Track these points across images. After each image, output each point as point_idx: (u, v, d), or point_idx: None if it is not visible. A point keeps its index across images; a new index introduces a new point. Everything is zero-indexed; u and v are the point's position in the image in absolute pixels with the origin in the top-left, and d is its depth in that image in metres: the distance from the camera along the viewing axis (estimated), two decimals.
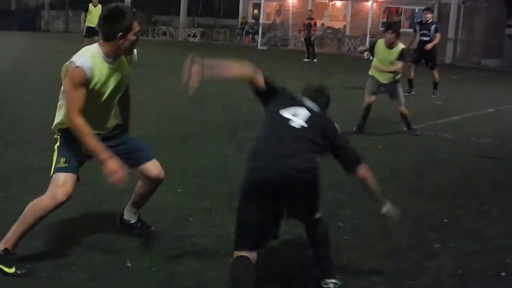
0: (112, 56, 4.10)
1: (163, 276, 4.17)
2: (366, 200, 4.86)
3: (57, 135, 4.27)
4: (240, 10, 38.43)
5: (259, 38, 32.85)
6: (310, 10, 27.60)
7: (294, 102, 4.05)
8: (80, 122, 3.98)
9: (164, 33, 37.12)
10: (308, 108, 3.99)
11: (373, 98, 9.59)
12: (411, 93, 14.63)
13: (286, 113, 3.94)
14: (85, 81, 3.98)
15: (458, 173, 7.64)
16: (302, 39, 28.25)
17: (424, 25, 15.57)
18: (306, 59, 25.52)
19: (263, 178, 3.76)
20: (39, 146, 6.60)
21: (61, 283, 4.00)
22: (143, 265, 4.32)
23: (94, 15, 19.04)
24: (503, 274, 4.54)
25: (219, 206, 5.69)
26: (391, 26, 9.65)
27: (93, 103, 4.08)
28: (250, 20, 37.67)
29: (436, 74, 15.24)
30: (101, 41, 4.10)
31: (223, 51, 28.96)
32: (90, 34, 19.04)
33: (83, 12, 19.53)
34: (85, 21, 19.36)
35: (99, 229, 4.94)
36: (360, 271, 4.44)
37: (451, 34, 30.94)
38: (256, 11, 37.78)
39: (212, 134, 9.05)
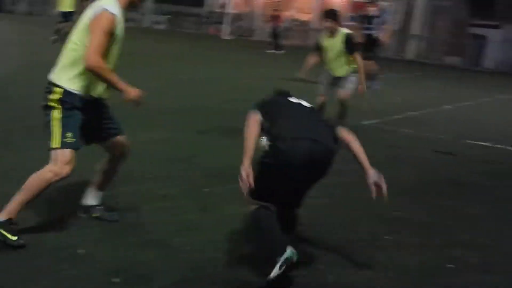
0: (127, 8, 4.46)
1: (116, 264, 4.15)
2: (320, 194, 4.95)
3: (57, 104, 4.28)
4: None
5: (225, 27, 32.77)
6: (277, 1, 27.60)
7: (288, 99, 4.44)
8: (102, 62, 4.18)
9: (127, 19, 36.60)
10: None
11: (325, 97, 8.93)
12: (376, 88, 14.58)
13: (293, 99, 4.40)
14: (114, 29, 4.27)
15: (415, 168, 7.78)
16: (268, 30, 28.25)
17: (367, 18, 15.43)
18: (271, 50, 25.56)
19: (299, 148, 3.98)
20: (38, 146, 6.45)
21: (8, 272, 3.91)
22: (96, 253, 4.29)
23: None
24: (449, 266, 4.67)
25: (177, 193, 5.73)
26: (328, 14, 8.72)
27: (108, 54, 4.29)
28: (216, 9, 37.49)
29: (373, 65, 14.62)
30: None
31: (188, 39, 28.86)
32: (64, 19, 18.85)
33: None
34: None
35: (54, 214, 4.91)
36: (308, 260, 4.49)
37: (415, 30, 31.32)
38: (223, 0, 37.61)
39: (185, 123, 9.04)
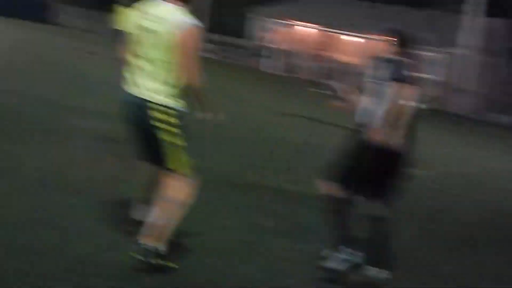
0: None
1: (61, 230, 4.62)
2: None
3: (177, 129, 4.19)
4: (254, 32, 38.08)
5: (274, 62, 32.88)
6: (324, 41, 27.50)
7: None
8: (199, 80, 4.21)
9: None
10: None
11: None
12: None
13: None
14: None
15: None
16: (314, 69, 28.11)
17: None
18: (314, 89, 25.53)
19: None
20: (33, 143, 6.93)
21: None
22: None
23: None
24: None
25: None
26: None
27: None
28: (265, 43, 37.44)
29: None
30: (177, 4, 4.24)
31: (240, 74, 28.60)
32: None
33: None
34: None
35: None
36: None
37: (460, 84, 31.02)
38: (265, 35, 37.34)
39: None
